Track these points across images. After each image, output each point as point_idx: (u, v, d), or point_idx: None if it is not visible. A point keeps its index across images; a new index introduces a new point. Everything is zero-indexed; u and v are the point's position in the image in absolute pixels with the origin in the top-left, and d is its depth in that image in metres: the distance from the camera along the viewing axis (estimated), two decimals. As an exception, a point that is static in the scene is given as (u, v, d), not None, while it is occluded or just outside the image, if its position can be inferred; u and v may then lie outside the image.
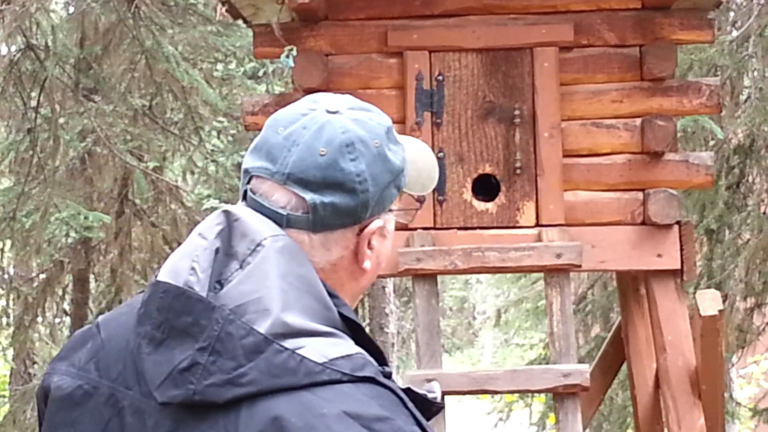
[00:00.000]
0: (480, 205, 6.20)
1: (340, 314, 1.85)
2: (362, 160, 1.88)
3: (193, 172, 13.89)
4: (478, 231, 6.17)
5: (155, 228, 12.07)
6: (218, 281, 1.81)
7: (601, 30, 6.27)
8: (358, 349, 1.81)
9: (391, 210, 1.96)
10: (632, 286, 6.83)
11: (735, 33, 10.00)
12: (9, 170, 11.89)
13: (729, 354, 10.70)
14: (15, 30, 9.76)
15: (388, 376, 1.80)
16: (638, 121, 6.22)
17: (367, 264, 1.95)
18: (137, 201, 12.15)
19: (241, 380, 1.73)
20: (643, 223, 6.19)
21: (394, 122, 6.53)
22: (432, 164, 2.15)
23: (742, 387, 15.95)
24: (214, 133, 13.68)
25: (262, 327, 1.75)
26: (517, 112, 6.18)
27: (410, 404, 1.79)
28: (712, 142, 9.98)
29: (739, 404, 12.34)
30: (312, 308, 1.81)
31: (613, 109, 6.25)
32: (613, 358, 7.51)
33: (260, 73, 15.04)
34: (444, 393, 5.95)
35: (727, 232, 10.29)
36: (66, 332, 14.85)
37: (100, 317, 2.01)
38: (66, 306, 14.19)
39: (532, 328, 18.59)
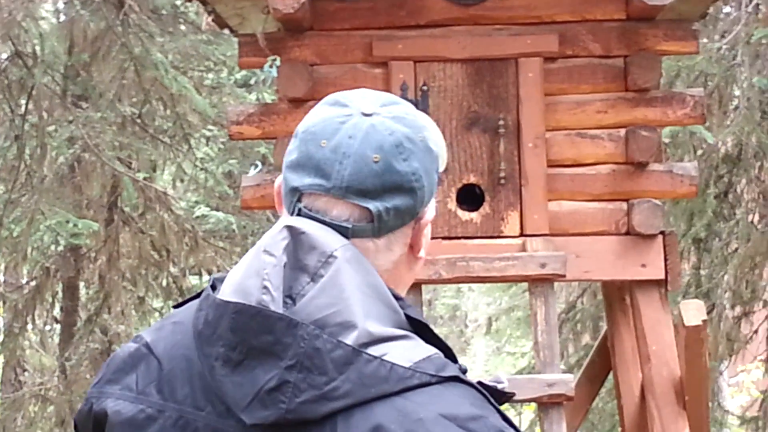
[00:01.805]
0: (464, 215, 6.20)
1: (407, 315, 1.84)
2: (413, 158, 1.86)
3: (182, 180, 13.88)
4: (463, 240, 6.17)
5: (143, 234, 12.06)
6: (288, 296, 1.79)
7: (586, 41, 6.27)
8: (435, 350, 1.81)
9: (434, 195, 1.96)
10: (618, 296, 6.84)
11: (723, 41, 10.00)
12: (-2, 178, 11.87)
13: (716, 363, 10.70)
14: (3, 37, 9.75)
15: (464, 372, 1.80)
16: (622, 131, 6.23)
17: (422, 252, 1.94)
18: (126, 209, 12.13)
19: (335, 393, 1.72)
20: (627, 233, 6.20)
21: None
22: (441, 135, 2.09)
23: (734, 396, 15.96)
24: (204, 141, 13.66)
25: (349, 339, 1.74)
26: (501, 122, 6.18)
27: (492, 399, 1.79)
28: (700, 151, 9.99)
29: (727, 412, 12.34)
30: (384, 314, 1.80)
31: (598, 119, 6.25)
32: (600, 367, 7.51)
33: (251, 82, 15.03)
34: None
35: (715, 241, 10.29)
36: (56, 339, 14.82)
37: (146, 336, 1.96)
38: (56, 313, 14.17)
39: (524, 336, 18.57)
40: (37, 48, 10.12)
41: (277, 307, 1.76)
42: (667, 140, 8.71)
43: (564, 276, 6.04)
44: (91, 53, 10.99)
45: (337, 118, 1.88)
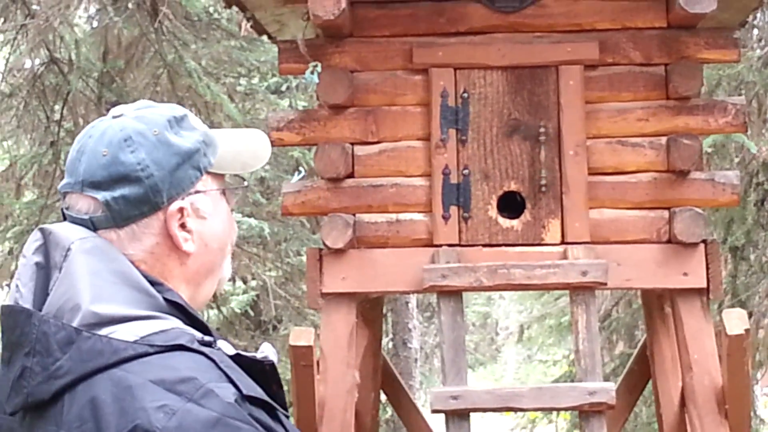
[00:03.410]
0: (505, 223, 6.17)
1: (165, 299, 1.97)
2: (141, 150, 1.99)
3: (215, 187, 13.86)
4: (504, 248, 6.14)
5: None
6: (48, 293, 1.95)
7: (627, 48, 6.23)
8: (177, 325, 1.94)
9: (198, 191, 2.05)
10: (657, 305, 6.80)
11: (760, 51, 9.94)
12: (32, 183, 11.93)
13: (753, 371, 10.63)
14: (39, 44, 9.79)
15: (208, 344, 1.92)
16: (663, 139, 6.17)
17: (188, 246, 2.05)
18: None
19: (59, 372, 1.86)
20: (668, 242, 6.15)
21: (418, 139, 6.44)
22: (260, 144, 2.24)
23: (767, 405, 15.86)
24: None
25: (75, 321, 1.88)
26: (542, 130, 6.15)
27: (224, 365, 1.88)
28: (737, 159, 9.93)
29: (763, 422, 12.27)
30: (132, 297, 1.93)
31: (639, 127, 6.21)
32: (639, 376, 7.47)
33: (283, 88, 15.03)
34: (469, 410, 5.93)
35: (751, 249, 10.23)
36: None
37: None
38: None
39: (555, 344, 18.49)
40: (73, 54, 10.15)
41: (25, 302, 1.94)
42: (709, 149, 8.65)
43: (605, 284, 6.01)
44: (125, 60, 11.03)
45: (94, 123, 2.07)
